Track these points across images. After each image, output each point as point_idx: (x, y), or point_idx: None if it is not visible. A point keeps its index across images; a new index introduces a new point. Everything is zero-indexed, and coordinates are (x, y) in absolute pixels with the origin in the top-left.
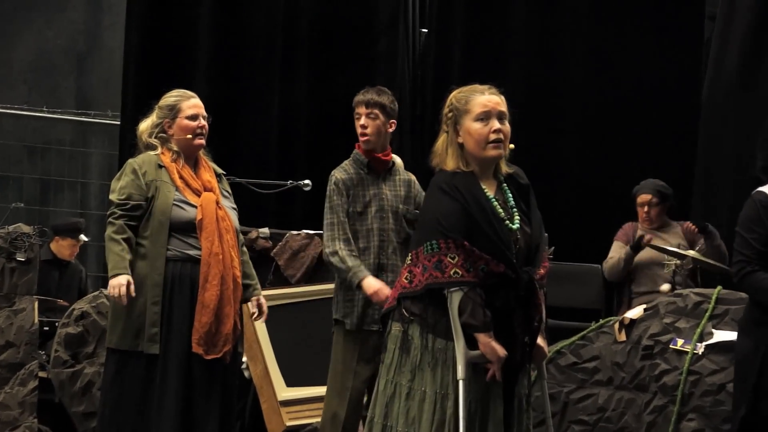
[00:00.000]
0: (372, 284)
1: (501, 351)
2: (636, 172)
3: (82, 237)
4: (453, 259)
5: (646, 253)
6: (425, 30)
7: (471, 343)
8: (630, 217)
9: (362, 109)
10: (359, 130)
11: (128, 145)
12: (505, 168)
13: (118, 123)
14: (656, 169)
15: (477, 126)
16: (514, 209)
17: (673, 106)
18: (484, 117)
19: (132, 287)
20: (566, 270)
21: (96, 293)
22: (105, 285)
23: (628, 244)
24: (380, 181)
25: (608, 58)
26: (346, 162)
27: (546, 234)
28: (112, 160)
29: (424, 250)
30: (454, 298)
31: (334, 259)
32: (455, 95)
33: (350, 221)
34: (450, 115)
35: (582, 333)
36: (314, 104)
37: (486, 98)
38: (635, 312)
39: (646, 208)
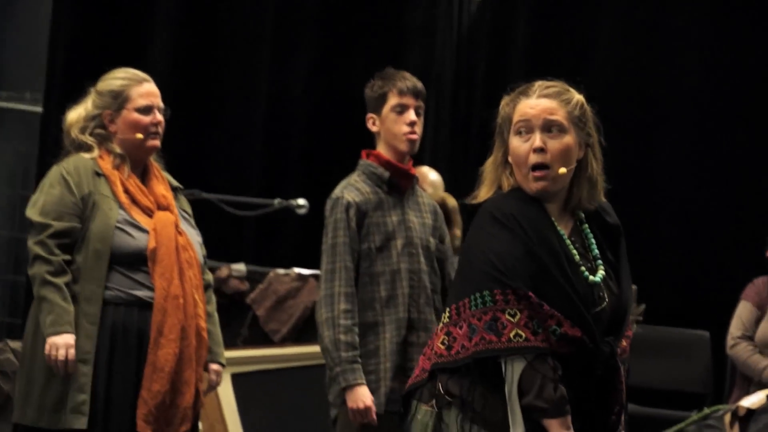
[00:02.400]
0: (362, 398)
1: None
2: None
3: None
4: (513, 316)
5: None
6: None
7: None
8: (764, 269)
9: (410, 100)
10: (403, 129)
11: (52, 140)
12: (585, 200)
13: (40, 110)
14: None
15: (515, 143)
16: (598, 259)
17: None
18: (523, 129)
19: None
20: (661, 337)
21: None
22: (8, 333)
23: (762, 308)
24: (404, 203)
25: (732, 53)
26: (354, 176)
27: (634, 286)
28: (28, 162)
29: (471, 304)
30: (515, 370)
31: (326, 334)
32: (506, 97)
33: (366, 262)
34: (500, 123)
35: (680, 425)
36: (315, 96)
37: (531, 102)
38: (754, 399)
39: None
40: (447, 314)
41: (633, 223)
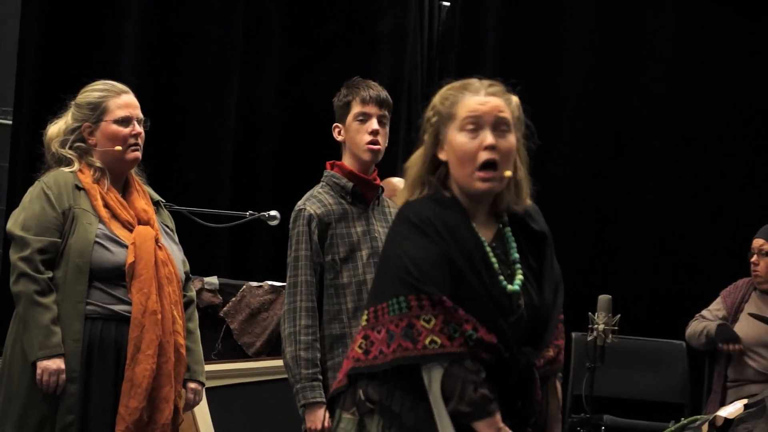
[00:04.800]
0: (318, 419)
1: None
2: (754, 210)
3: None
4: (428, 322)
5: (751, 328)
6: (447, 2)
7: None
8: (746, 272)
9: (373, 108)
10: (365, 138)
11: (23, 154)
12: (512, 203)
13: (9, 122)
14: None
15: (461, 139)
16: (517, 265)
17: None
18: (473, 126)
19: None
20: (637, 348)
21: None
22: None
23: (731, 308)
24: (370, 213)
25: (703, 53)
26: (317, 189)
27: (608, 296)
28: None
29: (389, 309)
30: (433, 377)
31: (288, 349)
32: (440, 93)
33: (330, 273)
34: (433, 119)
35: None
36: (286, 107)
37: (480, 99)
38: (732, 409)
39: (754, 257)
40: (365, 317)
41: (606, 231)
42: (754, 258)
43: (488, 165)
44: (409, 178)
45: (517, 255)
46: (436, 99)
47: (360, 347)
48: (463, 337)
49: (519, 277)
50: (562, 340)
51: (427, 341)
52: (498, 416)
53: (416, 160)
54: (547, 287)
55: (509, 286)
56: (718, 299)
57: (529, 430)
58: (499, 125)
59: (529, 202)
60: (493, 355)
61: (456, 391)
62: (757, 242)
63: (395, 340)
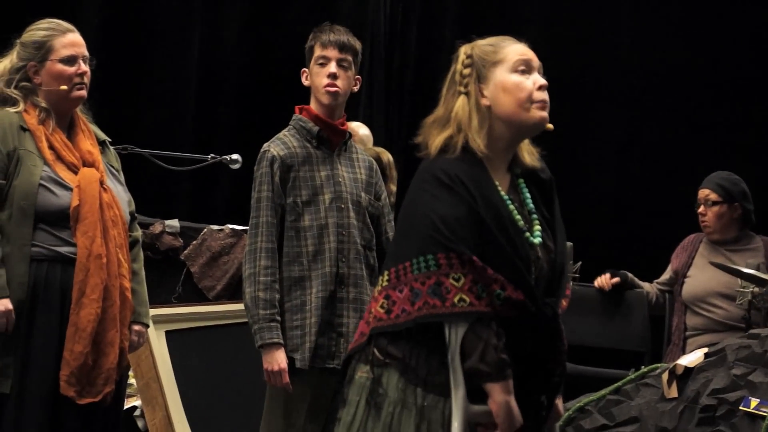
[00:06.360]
0: (277, 360)
1: (518, 416)
2: (707, 164)
3: None
4: (458, 280)
5: (709, 277)
6: None
7: (473, 397)
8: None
9: (332, 52)
10: (323, 81)
11: None
12: (528, 157)
13: None
14: (735, 161)
15: (517, 78)
16: (534, 215)
17: (760, 84)
18: (525, 68)
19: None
20: (598, 296)
21: None
22: None
23: (682, 266)
24: (335, 158)
25: (668, 24)
26: (284, 132)
27: (570, 244)
28: None
29: (414, 267)
30: (458, 334)
31: (248, 290)
32: (474, 45)
33: (291, 215)
34: (468, 71)
35: (616, 385)
36: (247, 49)
37: (523, 47)
38: (692, 358)
39: (701, 208)
40: (386, 277)
41: (567, 179)
42: (701, 209)
43: (543, 102)
44: (455, 125)
45: (532, 205)
46: (473, 50)
47: (381, 307)
48: (490, 296)
49: (537, 228)
50: (569, 290)
51: (456, 299)
52: (511, 382)
53: (461, 108)
54: (559, 235)
55: (532, 239)
56: (672, 262)
57: (556, 380)
58: (540, 71)
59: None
60: (521, 311)
61: (477, 349)
62: (703, 192)
63: (421, 298)
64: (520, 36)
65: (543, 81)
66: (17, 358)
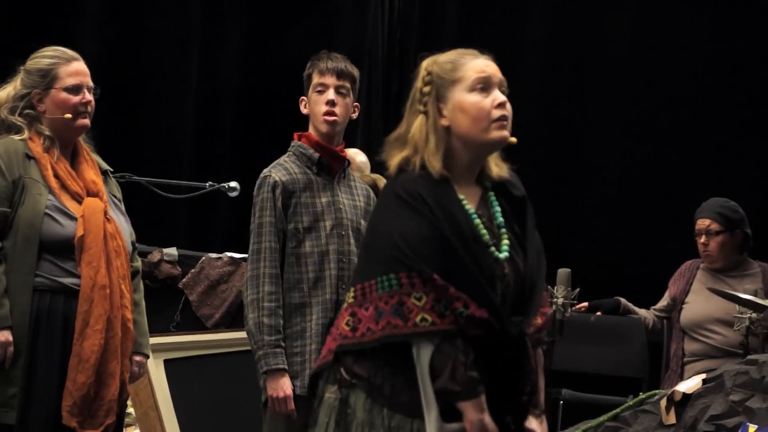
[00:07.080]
0: (282, 386)
1: (493, 428)
2: (705, 188)
3: None
4: (419, 300)
5: (707, 303)
6: None
7: (446, 414)
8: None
9: (330, 79)
10: (322, 108)
11: None
12: (496, 170)
13: None
14: (733, 187)
15: (474, 98)
16: (503, 230)
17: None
18: (484, 86)
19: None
20: (596, 322)
21: None
22: None
23: (680, 293)
24: (335, 185)
25: (671, 31)
26: (284, 158)
27: (567, 270)
28: None
29: (378, 286)
30: (423, 354)
31: (251, 316)
32: (435, 62)
33: (292, 242)
34: (428, 89)
35: (615, 411)
36: (247, 78)
37: (483, 62)
38: (690, 384)
39: (703, 238)
40: (352, 294)
41: (566, 205)
42: (703, 239)
43: (501, 120)
44: (413, 146)
45: (501, 219)
46: (431, 67)
47: (347, 324)
48: (453, 314)
49: (505, 242)
50: (548, 308)
51: (417, 319)
52: (483, 398)
53: (418, 129)
54: (531, 251)
55: (498, 254)
56: (669, 289)
57: (525, 399)
58: (501, 86)
59: (508, 171)
60: (485, 330)
61: (446, 369)
62: (704, 222)
63: (384, 317)
64: (518, 46)
65: (502, 98)
66: (21, 388)
